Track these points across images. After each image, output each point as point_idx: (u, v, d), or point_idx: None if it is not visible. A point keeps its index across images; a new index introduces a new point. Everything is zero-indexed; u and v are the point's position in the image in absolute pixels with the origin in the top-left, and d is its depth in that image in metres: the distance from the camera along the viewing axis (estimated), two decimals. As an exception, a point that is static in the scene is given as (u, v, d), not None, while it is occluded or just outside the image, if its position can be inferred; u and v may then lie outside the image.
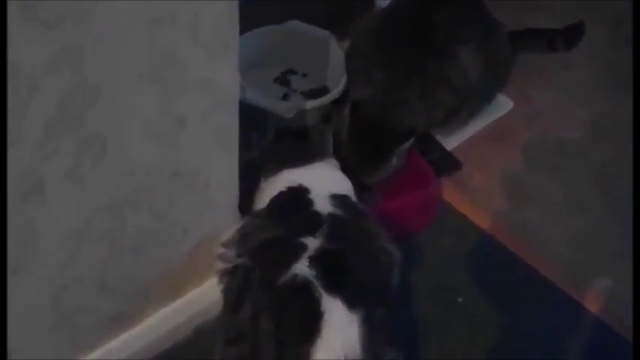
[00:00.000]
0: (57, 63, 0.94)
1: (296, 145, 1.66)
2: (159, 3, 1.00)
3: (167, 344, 1.40)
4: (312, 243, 1.18)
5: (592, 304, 1.56)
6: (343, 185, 1.38)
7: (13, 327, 1.14)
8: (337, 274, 1.15)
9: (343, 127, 1.63)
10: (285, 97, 1.87)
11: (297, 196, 1.30)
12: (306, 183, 1.32)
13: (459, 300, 1.54)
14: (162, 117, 1.12)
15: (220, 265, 1.23)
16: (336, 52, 1.84)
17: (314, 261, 1.15)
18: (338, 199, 1.30)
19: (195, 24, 1.06)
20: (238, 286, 1.18)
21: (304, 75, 1.93)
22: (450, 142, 1.83)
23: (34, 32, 0.90)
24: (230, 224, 1.30)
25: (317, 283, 1.12)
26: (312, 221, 1.22)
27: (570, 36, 1.94)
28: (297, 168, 1.37)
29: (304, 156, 1.42)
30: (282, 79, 1.91)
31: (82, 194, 1.09)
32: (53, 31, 0.92)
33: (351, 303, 1.12)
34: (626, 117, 1.92)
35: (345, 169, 1.44)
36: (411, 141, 1.62)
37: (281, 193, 1.32)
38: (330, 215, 1.25)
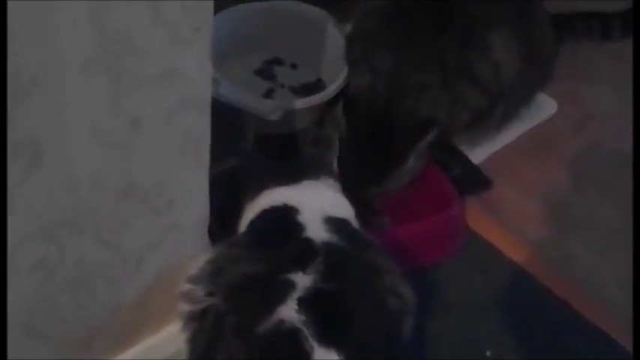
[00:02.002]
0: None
1: (282, 157, 1.66)
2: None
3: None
4: (303, 280, 1.18)
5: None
6: (342, 207, 1.38)
7: None
8: (333, 320, 1.16)
9: (338, 130, 1.62)
10: (269, 93, 1.88)
11: (284, 218, 1.31)
12: (296, 201, 1.33)
13: (488, 354, 1.54)
14: (113, 117, 1.11)
15: (185, 307, 1.23)
16: (335, 37, 1.84)
17: (304, 303, 1.15)
18: (335, 224, 1.30)
19: (157, -1, 1.06)
20: (208, 335, 1.18)
21: (293, 66, 1.94)
22: (478, 154, 1.84)
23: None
24: (197, 254, 1.30)
25: (307, 332, 1.13)
26: (302, 252, 1.23)
27: (626, 21, 1.95)
28: (283, 184, 1.38)
29: (292, 170, 1.43)
30: (266, 71, 1.92)
31: (10, 215, 1.08)
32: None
33: (349, 358, 1.12)
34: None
35: (347, 189, 1.44)
36: (433, 134, 1.61)
37: (263, 214, 1.33)
38: (326, 244, 1.25)
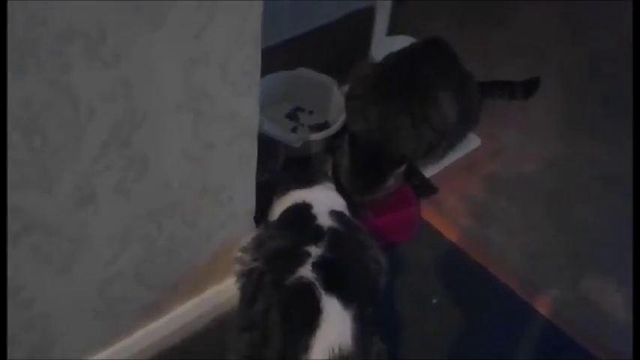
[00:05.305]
0: (112, 94, 0.93)
1: (302, 170, 1.66)
2: (196, 45, 1.00)
3: (190, 332, 1.38)
4: (315, 251, 1.17)
5: (542, 307, 1.55)
6: (340, 203, 1.38)
7: (64, 313, 1.13)
8: (335, 277, 1.15)
9: (342, 156, 1.62)
10: (294, 129, 1.86)
11: (303, 211, 1.30)
12: (310, 200, 1.32)
13: (434, 301, 1.53)
14: (195, 142, 1.11)
15: (238, 267, 1.23)
16: (337, 94, 1.84)
17: (316, 266, 1.14)
18: (336, 215, 1.30)
19: (225, 65, 1.06)
20: (253, 285, 1.18)
21: (310, 112, 1.93)
22: (429, 171, 1.82)
23: (95, 68, 0.89)
24: (247, 233, 1.29)
25: (318, 285, 1.12)
26: (315, 233, 1.22)
27: (528, 87, 1.94)
28: (302, 188, 1.37)
29: (308, 179, 1.42)
30: (292, 115, 1.91)
31: (127, 204, 1.08)
32: (110, 67, 0.91)
33: (345, 302, 1.12)
34: (574, 153, 1.92)
35: (340, 190, 1.43)
36: (405, 166, 1.60)
37: (290, 208, 1.32)
38: (330, 228, 1.24)
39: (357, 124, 1.65)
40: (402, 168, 1.60)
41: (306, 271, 1.13)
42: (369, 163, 1.58)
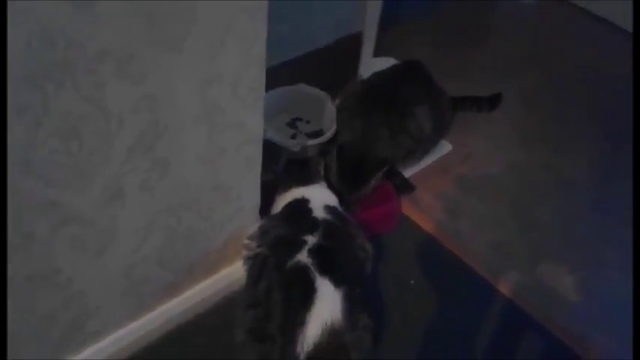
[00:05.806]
0: (138, 107, 0.94)
1: (300, 171, 1.66)
2: (211, 67, 1.00)
3: (204, 308, 1.38)
4: (311, 240, 1.18)
5: (503, 289, 1.55)
6: (332, 199, 1.38)
7: (96, 292, 1.14)
8: (328, 262, 1.15)
9: (332, 161, 1.62)
10: (293, 136, 1.86)
11: (302, 205, 1.31)
12: (308, 196, 1.33)
13: (412, 282, 1.53)
14: (209, 147, 1.12)
15: (245, 253, 1.23)
16: (330, 106, 1.84)
17: (312, 252, 1.15)
18: (330, 209, 1.30)
19: (236, 83, 1.06)
20: (258, 268, 1.18)
21: (307, 121, 1.93)
22: (408, 172, 1.82)
23: (124, 85, 0.90)
24: (253, 224, 1.30)
25: (313, 268, 1.13)
26: (311, 224, 1.23)
27: (492, 102, 1.95)
28: (301, 186, 1.38)
29: (306, 178, 1.42)
30: (292, 124, 1.91)
31: (151, 200, 1.08)
32: (137, 85, 0.91)
33: (336, 283, 1.12)
34: (532, 159, 1.93)
35: (332, 188, 1.44)
36: (385, 168, 1.61)
37: (290, 203, 1.32)
38: (324, 220, 1.25)
39: (345, 133, 1.66)
40: (383, 170, 1.61)
41: (303, 257, 1.14)
42: (354, 168, 1.58)
